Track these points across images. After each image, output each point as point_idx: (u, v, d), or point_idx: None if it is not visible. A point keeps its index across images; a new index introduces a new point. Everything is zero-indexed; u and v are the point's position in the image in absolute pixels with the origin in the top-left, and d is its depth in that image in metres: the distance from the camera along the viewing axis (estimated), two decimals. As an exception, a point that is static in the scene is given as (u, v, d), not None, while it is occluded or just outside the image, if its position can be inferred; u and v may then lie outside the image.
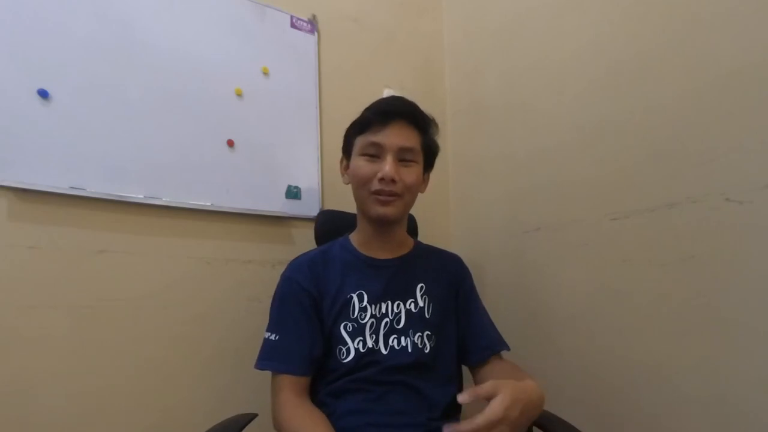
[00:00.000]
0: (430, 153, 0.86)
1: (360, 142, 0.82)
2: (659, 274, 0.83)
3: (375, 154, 0.80)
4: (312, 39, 1.28)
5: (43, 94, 0.90)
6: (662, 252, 0.83)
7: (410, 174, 0.80)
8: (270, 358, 0.78)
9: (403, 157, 0.80)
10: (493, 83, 1.32)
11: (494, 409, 0.55)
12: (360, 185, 0.81)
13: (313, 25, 1.29)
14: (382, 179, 0.77)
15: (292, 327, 0.79)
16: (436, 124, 0.87)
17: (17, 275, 0.87)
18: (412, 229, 1.12)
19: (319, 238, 1.05)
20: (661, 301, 0.83)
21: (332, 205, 1.20)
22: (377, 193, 0.79)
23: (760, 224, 0.69)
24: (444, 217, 1.43)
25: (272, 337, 0.79)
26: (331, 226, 1.05)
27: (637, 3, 0.90)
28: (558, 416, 0.76)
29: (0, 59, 0.87)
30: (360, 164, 0.81)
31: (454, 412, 0.82)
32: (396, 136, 0.79)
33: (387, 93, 1.40)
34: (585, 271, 0.99)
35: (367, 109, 0.84)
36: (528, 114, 1.18)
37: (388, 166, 0.77)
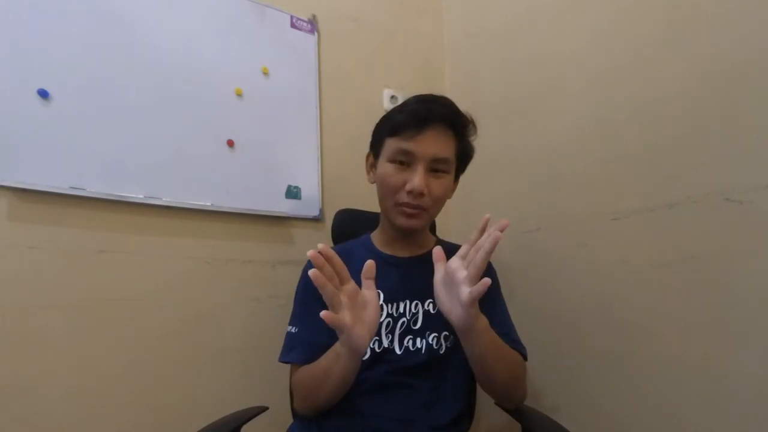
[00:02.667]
0: (464, 159, 0.83)
1: (390, 145, 0.78)
2: (659, 274, 0.83)
3: (405, 161, 0.76)
4: (312, 39, 1.28)
5: (43, 94, 0.90)
6: (662, 252, 0.83)
7: (440, 186, 0.77)
8: (291, 349, 0.78)
9: (435, 167, 0.76)
10: (493, 83, 1.32)
11: None
12: (387, 194, 0.79)
13: (313, 25, 1.29)
14: (410, 192, 0.74)
15: (311, 319, 0.79)
16: (474, 126, 0.82)
17: (17, 275, 0.87)
18: (431, 226, 1.10)
19: (336, 238, 1.05)
20: (661, 301, 0.83)
21: (332, 205, 1.20)
22: (404, 204, 0.76)
23: (760, 224, 0.69)
24: (444, 216, 1.43)
25: (293, 330, 0.80)
26: (348, 225, 1.04)
27: (638, 3, 0.90)
28: (548, 416, 0.76)
29: (0, 59, 0.87)
30: (388, 171, 0.77)
31: (462, 426, 0.81)
32: (430, 145, 0.75)
33: (387, 93, 1.40)
34: (585, 271, 0.98)
35: (401, 110, 0.78)
36: (528, 114, 1.18)
37: (417, 178, 0.73)
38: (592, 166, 0.98)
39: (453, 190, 0.87)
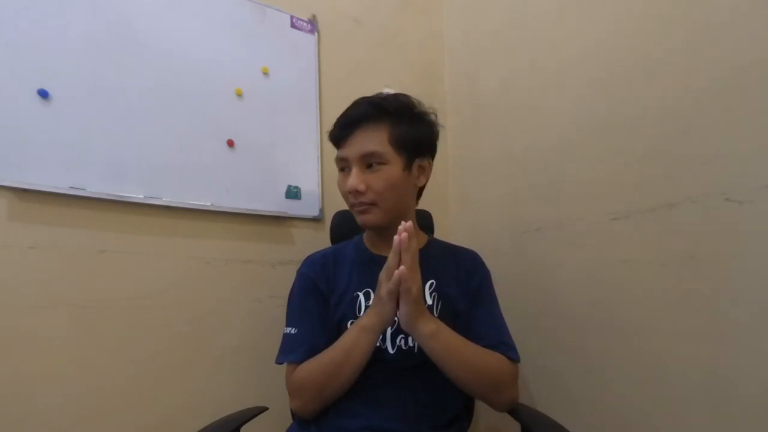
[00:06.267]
0: (410, 143, 0.80)
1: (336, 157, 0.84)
2: (659, 274, 0.83)
3: (346, 167, 0.81)
4: (312, 39, 1.28)
5: (43, 94, 0.90)
6: (662, 252, 0.83)
7: (379, 178, 0.77)
8: (291, 350, 0.78)
9: (368, 162, 0.78)
10: (493, 83, 1.32)
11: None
12: (344, 199, 0.83)
13: (313, 25, 1.29)
14: (349, 193, 0.78)
15: (308, 319, 0.81)
16: (415, 105, 0.83)
17: (17, 275, 0.87)
18: (428, 225, 1.11)
19: (335, 238, 1.05)
20: (661, 301, 0.83)
21: (332, 205, 1.20)
22: (354, 205, 0.80)
23: (760, 224, 0.69)
24: (444, 217, 1.43)
25: (291, 331, 0.80)
26: (347, 226, 1.05)
27: (638, 3, 0.90)
28: (548, 416, 0.76)
29: (0, 59, 0.87)
30: (338, 180, 0.84)
31: (461, 422, 0.82)
32: (356, 145, 0.78)
33: (387, 93, 1.40)
34: (585, 271, 0.98)
35: (333, 125, 0.84)
36: (528, 114, 1.18)
37: (350, 179, 0.77)
38: (592, 166, 0.98)
39: (425, 174, 0.85)
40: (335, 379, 0.73)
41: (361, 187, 0.76)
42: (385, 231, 0.82)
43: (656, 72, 0.86)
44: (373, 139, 0.78)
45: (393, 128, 0.79)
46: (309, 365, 0.75)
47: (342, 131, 0.80)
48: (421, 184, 0.86)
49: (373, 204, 0.78)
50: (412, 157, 0.81)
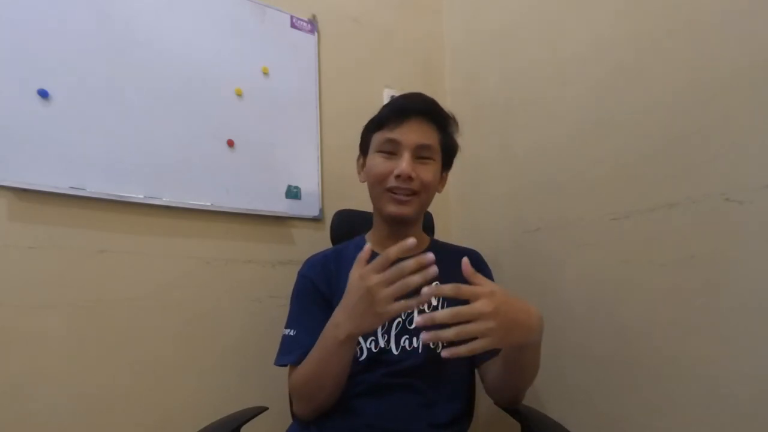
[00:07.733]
0: (448, 151, 0.85)
1: (377, 138, 0.82)
2: (659, 274, 0.83)
3: (392, 151, 0.80)
4: (312, 39, 1.28)
5: (43, 94, 0.90)
6: (662, 252, 0.83)
7: (428, 172, 0.79)
8: (289, 352, 0.78)
9: (420, 154, 0.79)
10: (494, 83, 1.32)
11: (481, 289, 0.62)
12: (376, 182, 0.81)
13: (313, 25, 1.29)
14: (398, 176, 0.77)
15: (308, 322, 0.80)
16: (455, 122, 0.86)
17: (17, 275, 0.87)
18: (429, 225, 1.11)
19: (335, 238, 1.05)
20: (661, 301, 0.83)
21: (332, 205, 1.20)
22: (393, 190, 0.79)
23: (760, 224, 0.69)
24: (444, 217, 1.43)
25: (290, 332, 0.80)
26: (347, 225, 1.05)
27: (638, 3, 0.90)
28: (549, 416, 0.76)
29: (0, 59, 0.87)
30: (376, 161, 0.81)
31: (462, 424, 0.81)
32: (413, 133, 0.78)
33: (387, 93, 1.40)
34: (585, 271, 0.98)
35: (385, 106, 0.83)
36: (528, 114, 1.18)
37: (404, 163, 0.77)
38: (592, 166, 0.98)
39: (443, 184, 0.89)
40: (319, 391, 0.73)
41: (413, 174, 0.77)
42: (401, 228, 0.83)
43: (656, 72, 0.86)
44: (430, 134, 0.80)
45: (441, 132, 0.83)
46: (299, 371, 0.75)
47: (399, 114, 0.80)
48: (440, 192, 0.88)
49: (416, 193, 0.79)
50: (444, 165, 0.85)
